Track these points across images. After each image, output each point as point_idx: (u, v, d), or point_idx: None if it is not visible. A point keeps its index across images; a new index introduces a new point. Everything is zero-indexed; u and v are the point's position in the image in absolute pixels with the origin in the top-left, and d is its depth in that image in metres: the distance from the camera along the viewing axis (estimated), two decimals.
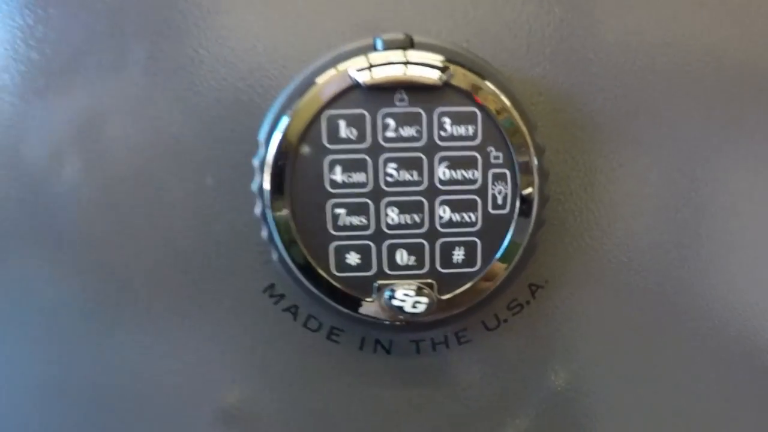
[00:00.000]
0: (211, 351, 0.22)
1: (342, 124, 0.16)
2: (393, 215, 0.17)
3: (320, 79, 0.16)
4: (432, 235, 0.17)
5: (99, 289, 0.22)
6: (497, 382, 0.22)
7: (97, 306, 0.22)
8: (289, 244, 0.17)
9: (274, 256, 0.18)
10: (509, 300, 0.21)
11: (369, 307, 0.17)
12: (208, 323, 0.21)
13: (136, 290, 0.22)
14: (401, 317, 0.17)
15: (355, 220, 0.17)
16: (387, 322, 0.17)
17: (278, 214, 0.17)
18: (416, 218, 0.17)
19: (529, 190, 0.16)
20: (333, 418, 0.23)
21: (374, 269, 0.17)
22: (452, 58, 0.16)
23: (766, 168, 0.21)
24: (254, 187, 0.17)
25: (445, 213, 0.17)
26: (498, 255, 0.17)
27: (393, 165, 0.16)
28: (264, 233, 0.18)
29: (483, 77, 0.16)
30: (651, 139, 0.20)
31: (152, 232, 0.21)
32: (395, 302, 0.17)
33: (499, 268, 0.17)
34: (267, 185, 0.17)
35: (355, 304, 0.17)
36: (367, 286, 0.17)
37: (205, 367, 0.22)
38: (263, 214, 0.17)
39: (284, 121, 0.16)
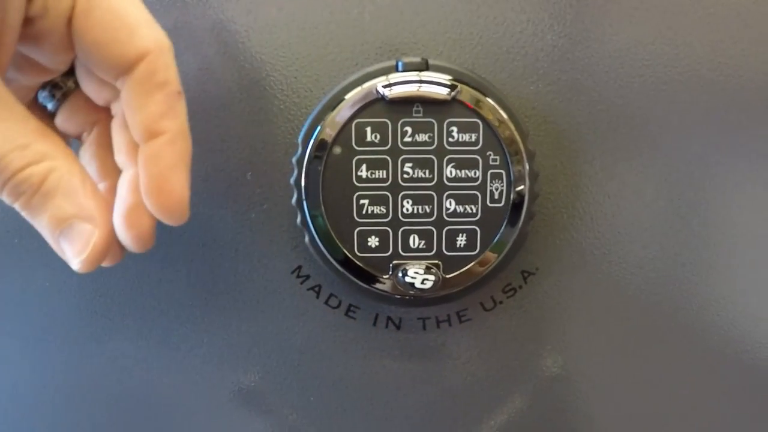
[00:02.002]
0: (241, 326, 0.27)
1: (368, 130, 0.22)
2: (408, 206, 0.22)
3: (351, 93, 0.21)
4: (439, 223, 0.22)
5: (143, 267, 0.27)
6: (494, 359, 0.27)
7: (142, 280, 0.27)
8: (320, 228, 0.22)
9: (306, 239, 0.23)
10: (504, 284, 0.26)
11: (385, 283, 0.22)
12: (241, 300, 0.27)
13: (178, 269, 0.27)
14: (412, 292, 0.22)
15: (376, 209, 0.22)
16: (399, 297, 0.22)
17: (312, 203, 0.22)
18: (427, 209, 0.22)
19: (521, 187, 0.22)
20: (347, 387, 0.28)
21: (390, 251, 0.22)
22: (460, 78, 0.22)
23: (731, 169, 0.26)
24: (292, 180, 0.23)
25: (451, 205, 0.22)
26: (494, 241, 0.22)
27: (409, 164, 0.22)
28: (298, 220, 0.23)
29: (485, 94, 0.22)
30: (630, 147, 0.25)
31: (194, 219, 0.26)
32: (407, 279, 0.22)
33: (495, 252, 0.22)
34: (303, 179, 0.22)
35: (373, 280, 0.22)
36: (384, 265, 0.22)
37: (235, 340, 0.27)
38: (299, 202, 0.22)
39: (321, 127, 0.22)
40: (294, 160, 0.23)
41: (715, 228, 0.26)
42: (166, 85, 0.18)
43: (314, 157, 0.22)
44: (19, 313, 0.27)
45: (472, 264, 0.22)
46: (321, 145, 0.22)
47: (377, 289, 0.22)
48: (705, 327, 0.27)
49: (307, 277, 0.26)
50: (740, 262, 0.26)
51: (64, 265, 0.20)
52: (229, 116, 0.25)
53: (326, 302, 0.26)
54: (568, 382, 0.27)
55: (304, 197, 0.22)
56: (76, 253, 0.18)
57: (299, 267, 0.26)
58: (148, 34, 0.17)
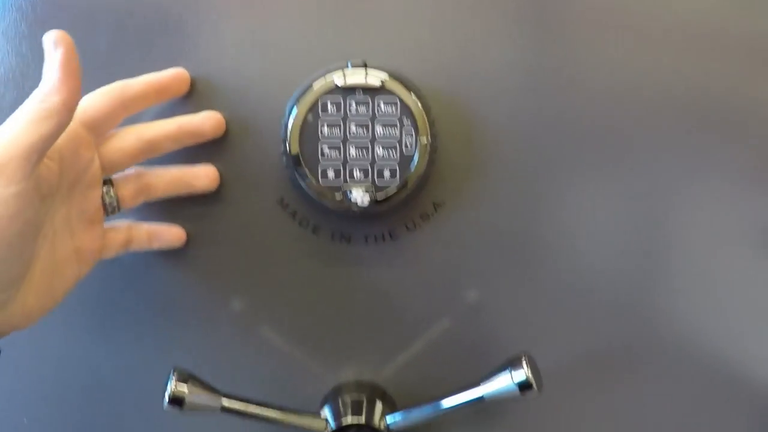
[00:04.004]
0: (235, 242, 0.42)
1: (328, 104, 0.38)
2: (352, 151, 0.38)
3: (317, 83, 0.38)
4: (372, 163, 0.38)
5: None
6: (417, 268, 0.43)
7: (162, 209, 0.42)
8: (298, 166, 0.38)
9: (289, 174, 0.39)
10: (420, 212, 0.42)
11: (338, 201, 0.38)
12: (237, 224, 0.42)
13: (194, 201, 0.42)
14: (355, 208, 0.38)
15: (333, 153, 0.38)
16: (351, 211, 0.38)
17: (293, 150, 0.38)
18: (364, 153, 0.38)
19: (424, 140, 0.38)
20: (312, 288, 0.43)
21: (342, 180, 0.38)
22: (389, 73, 0.38)
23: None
24: (281, 135, 0.39)
25: (380, 151, 0.38)
26: (408, 174, 0.38)
27: (353, 126, 0.38)
28: (284, 161, 0.39)
29: (402, 83, 0.38)
30: (508, 108, 0.42)
31: (218, 166, 0.42)
32: (352, 198, 0.38)
33: (409, 183, 0.38)
34: (288, 136, 0.38)
35: (331, 199, 0.38)
36: (337, 190, 0.38)
37: (228, 251, 0.42)
38: (285, 151, 0.38)
39: (300, 103, 0.38)
40: (282, 123, 0.39)
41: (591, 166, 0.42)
42: None
43: (295, 121, 0.38)
44: None
45: (395, 190, 0.38)
46: (299, 114, 0.38)
47: (334, 206, 0.38)
48: (592, 257, 0.43)
49: (287, 205, 0.42)
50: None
51: None
52: (239, 99, 0.41)
53: (300, 224, 0.42)
54: (479, 300, 0.43)
55: (288, 148, 0.38)
56: None
57: (282, 198, 0.42)
58: None
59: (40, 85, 0.32)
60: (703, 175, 0.43)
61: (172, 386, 0.38)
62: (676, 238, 0.44)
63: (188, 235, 0.42)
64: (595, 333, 0.45)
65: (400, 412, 0.42)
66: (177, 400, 0.38)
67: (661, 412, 0.46)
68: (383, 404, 0.44)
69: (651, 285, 0.44)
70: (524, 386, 0.38)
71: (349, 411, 0.43)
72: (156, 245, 0.41)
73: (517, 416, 0.46)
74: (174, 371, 0.39)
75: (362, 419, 0.42)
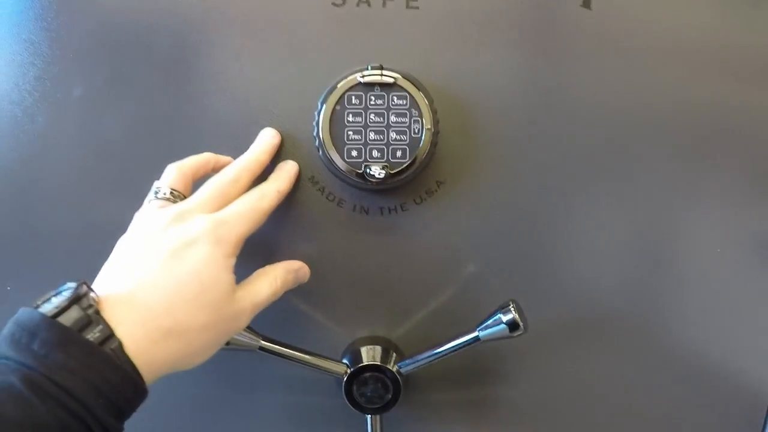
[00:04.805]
0: (269, 215, 0.52)
1: (353, 98, 0.48)
2: (372, 135, 0.48)
3: (345, 80, 0.48)
4: (387, 144, 0.48)
5: None
6: (425, 236, 0.53)
7: None
8: (328, 147, 0.48)
9: (320, 153, 0.49)
10: (425, 188, 0.52)
11: (359, 176, 0.48)
12: None
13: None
14: (372, 180, 0.48)
15: (356, 137, 0.48)
16: (368, 182, 0.48)
17: (324, 134, 0.48)
18: (381, 137, 0.48)
19: (428, 126, 0.48)
20: (336, 252, 0.52)
21: (363, 159, 0.48)
22: (400, 74, 0.49)
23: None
24: (314, 123, 0.49)
25: (393, 135, 0.48)
26: (415, 154, 0.48)
27: (372, 114, 0.48)
28: (316, 143, 0.49)
29: (411, 82, 0.49)
30: (494, 107, 0.52)
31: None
32: (370, 171, 0.48)
33: (417, 161, 0.48)
34: (321, 122, 0.48)
35: (354, 174, 0.48)
36: (359, 166, 0.48)
37: (266, 222, 0.52)
38: (317, 134, 0.48)
39: (330, 96, 0.48)
40: (315, 113, 0.49)
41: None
42: None
43: (326, 112, 0.48)
44: None
45: (405, 166, 0.48)
46: (328, 105, 0.48)
47: (356, 179, 0.48)
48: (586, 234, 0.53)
49: (317, 182, 0.51)
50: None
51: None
52: (281, 97, 0.51)
53: (327, 198, 0.52)
54: (477, 267, 0.52)
55: (320, 132, 0.48)
56: None
57: (313, 176, 0.51)
58: None
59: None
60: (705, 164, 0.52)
61: None
62: (674, 223, 0.53)
63: None
64: (582, 305, 0.54)
65: (409, 358, 0.51)
66: None
67: (639, 392, 0.55)
68: (396, 354, 0.53)
69: (646, 269, 0.53)
70: (512, 326, 0.47)
71: (366, 356, 0.51)
72: None
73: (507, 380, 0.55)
74: None
75: (378, 361, 0.51)
